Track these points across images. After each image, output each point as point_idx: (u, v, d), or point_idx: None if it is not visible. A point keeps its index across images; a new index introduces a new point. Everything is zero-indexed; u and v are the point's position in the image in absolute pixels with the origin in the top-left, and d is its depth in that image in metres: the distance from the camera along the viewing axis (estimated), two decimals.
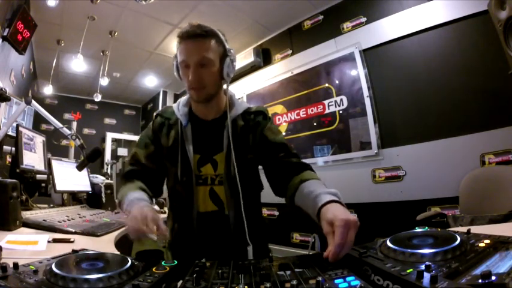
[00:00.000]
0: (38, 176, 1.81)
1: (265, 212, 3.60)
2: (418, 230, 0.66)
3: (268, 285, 0.43)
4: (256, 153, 0.98)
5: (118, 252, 0.79)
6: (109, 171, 4.20)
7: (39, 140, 1.82)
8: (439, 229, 0.67)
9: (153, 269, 0.53)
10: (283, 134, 2.50)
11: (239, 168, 0.93)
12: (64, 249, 0.70)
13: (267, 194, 1.06)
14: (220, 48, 0.93)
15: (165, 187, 1.06)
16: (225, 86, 1.00)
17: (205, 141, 0.98)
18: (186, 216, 0.96)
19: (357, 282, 0.43)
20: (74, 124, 3.17)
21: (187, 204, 0.95)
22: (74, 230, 1.08)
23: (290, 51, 3.67)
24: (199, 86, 0.90)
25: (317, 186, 0.78)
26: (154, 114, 1.07)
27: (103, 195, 2.02)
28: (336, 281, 0.44)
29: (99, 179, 2.15)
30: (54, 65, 4.20)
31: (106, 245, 0.99)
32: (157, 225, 0.69)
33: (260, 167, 1.01)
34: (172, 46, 4.15)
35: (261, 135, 0.99)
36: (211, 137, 0.98)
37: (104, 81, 4.27)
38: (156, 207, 2.33)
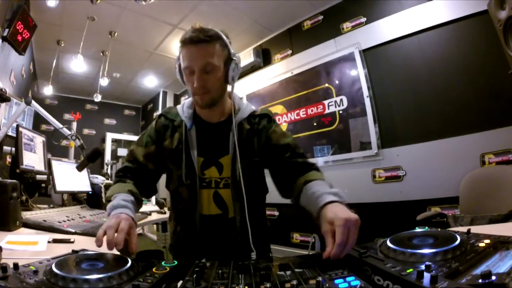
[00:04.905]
0: (38, 177, 1.81)
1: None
2: (418, 230, 0.66)
3: (268, 285, 0.43)
4: (261, 156, 0.97)
5: (118, 253, 0.79)
6: (109, 171, 4.20)
7: (39, 140, 1.82)
8: (439, 229, 0.67)
9: (153, 269, 0.53)
10: None
11: (245, 172, 0.93)
12: (64, 249, 0.70)
13: (268, 194, 1.07)
14: (225, 52, 0.91)
15: (165, 188, 1.05)
16: (229, 89, 0.99)
17: (210, 144, 0.97)
18: (189, 218, 0.96)
19: (357, 283, 0.43)
20: (74, 124, 3.17)
21: (191, 206, 0.95)
22: (74, 231, 1.07)
23: (290, 52, 3.67)
24: (203, 92, 0.89)
25: (320, 187, 0.78)
26: (158, 114, 1.05)
27: (103, 195, 2.02)
28: (336, 281, 0.44)
29: (99, 179, 2.15)
30: (54, 65, 4.20)
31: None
32: (128, 238, 0.67)
33: (266, 170, 1.01)
34: (172, 46, 4.15)
35: (266, 138, 0.98)
36: (216, 139, 0.97)
37: (104, 82, 4.27)
38: (156, 207, 2.33)
